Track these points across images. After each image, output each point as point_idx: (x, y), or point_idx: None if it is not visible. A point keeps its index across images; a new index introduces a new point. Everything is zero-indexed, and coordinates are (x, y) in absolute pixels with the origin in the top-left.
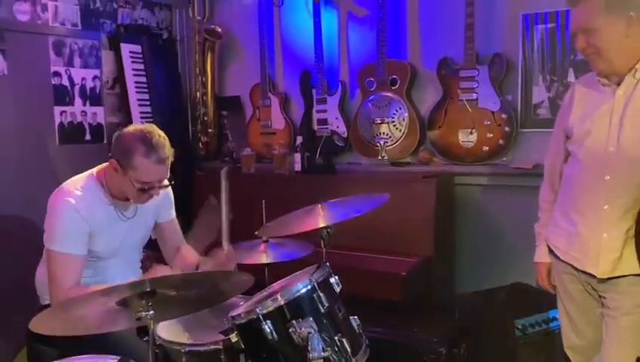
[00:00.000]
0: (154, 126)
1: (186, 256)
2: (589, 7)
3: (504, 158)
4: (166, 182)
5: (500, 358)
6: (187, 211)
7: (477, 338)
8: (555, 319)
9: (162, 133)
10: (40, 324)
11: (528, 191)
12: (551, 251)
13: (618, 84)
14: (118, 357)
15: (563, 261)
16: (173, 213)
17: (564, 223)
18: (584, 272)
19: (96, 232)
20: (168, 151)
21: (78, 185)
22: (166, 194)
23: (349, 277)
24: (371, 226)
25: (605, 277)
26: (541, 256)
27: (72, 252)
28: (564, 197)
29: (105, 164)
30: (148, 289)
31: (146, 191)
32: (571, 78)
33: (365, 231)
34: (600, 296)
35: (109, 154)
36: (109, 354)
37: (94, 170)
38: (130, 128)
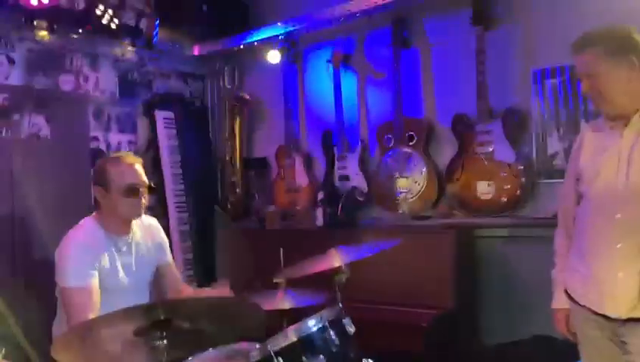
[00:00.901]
0: None
1: (187, 291)
2: (593, 53)
3: (528, 210)
4: (149, 187)
5: None
6: (210, 267)
7: None
8: None
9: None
10: (61, 352)
11: (548, 242)
12: (569, 296)
13: (625, 126)
14: None
15: (581, 305)
16: (170, 257)
17: (580, 266)
18: (603, 316)
19: (98, 257)
20: (134, 158)
21: (79, 227)
22: (162, 235)
23: (370, 330)
24: (391, 279)
25: (624, 317)
26: (559, 302)
27: (86, 284)
28: (578, 240)
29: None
30: (162, 318)
31: (132, 195)
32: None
33: (385, 284)
34: (622, 341)
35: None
36: None
37: (92, 215)
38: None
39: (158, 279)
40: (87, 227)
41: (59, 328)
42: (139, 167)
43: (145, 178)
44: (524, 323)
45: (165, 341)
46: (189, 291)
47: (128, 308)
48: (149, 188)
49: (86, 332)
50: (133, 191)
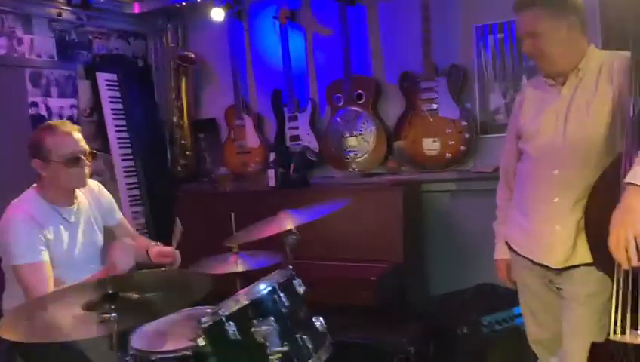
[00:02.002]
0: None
1: (141, 244)
2: (534, 13)
3: (472, 165)
4: (89, 153)
5: (469, 355)
6: (166, 231)
7: (446, 338)
8: (520, 315)
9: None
10: (9, 330)
11: (491, 195)
12: (510, 247)
13: (563, 84)
14: None
15: (521, 255)
16: (120, 214)
17: (520, 218)
18: (540, 265)
19: (45, 229)
20: (70, 126)
21: (19, 200)
22: (109, 200)
23: (322, 287)
24: (342, 236)
25: (560, 267)
26: (500, 253)
27: (37, 260)
28: (518, 194)
29: (37, 181)
30: (110, 291)
31: (74, 164)
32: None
33: (336, 241)
34: (558, 288)
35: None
36: None
37: (31, 188)
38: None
39: (110, 240)
40: (29, 200)
41: (9, 303)
42: (77, 135)
43: (85, 145)
44: (469, 273)
45: (115, 313)
46: (143, 242)
47: (75, 285)
48: (91, 153)
49: (34, 310)
50: (74, 160)
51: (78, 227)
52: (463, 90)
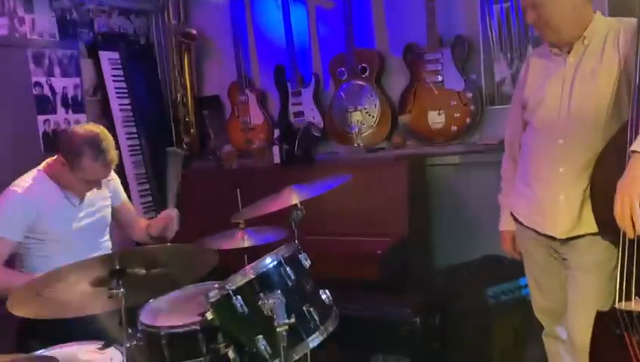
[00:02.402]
0: (102, 128)
1: (141, 225)
2: None
3: (478, 137)
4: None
5: (475, 326)
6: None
7: (452, 309)
8: (526, 286)
9: (109, 135)
10: (18, 306)
11: (497, 167)
12: (515, 218)
13: (568, 53)
14: (102, 342)
15: (526, 226)
16: (124, 196)
17: (524, 189)
18: (545, 235)
19: (43, 213)
20: (114, 154)
21: (24, 179)
22: (115, 179)
23: (327, 261)
24: (347, 212)
25: (564, 237)
26: (505, 224)
27: (3, 234)
28: (523, 165)
29: (51, 159)
30: (117, 268)
31: (93, 185)
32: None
33: (341, 216)
34: (563, 258)
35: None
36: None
37: (40, 165)
38: (80, 129)
39: (115, 216)
40: (35, 183)
41: None
42: (114, 164)
43: (111, 172)
44: (474, 245)
45: (123, 289)
46: (143, 223)
47: (82, 262)
48: None
49: (42, 286)
50: (95, 183)
51: (85, 209)
52: (468, 62)
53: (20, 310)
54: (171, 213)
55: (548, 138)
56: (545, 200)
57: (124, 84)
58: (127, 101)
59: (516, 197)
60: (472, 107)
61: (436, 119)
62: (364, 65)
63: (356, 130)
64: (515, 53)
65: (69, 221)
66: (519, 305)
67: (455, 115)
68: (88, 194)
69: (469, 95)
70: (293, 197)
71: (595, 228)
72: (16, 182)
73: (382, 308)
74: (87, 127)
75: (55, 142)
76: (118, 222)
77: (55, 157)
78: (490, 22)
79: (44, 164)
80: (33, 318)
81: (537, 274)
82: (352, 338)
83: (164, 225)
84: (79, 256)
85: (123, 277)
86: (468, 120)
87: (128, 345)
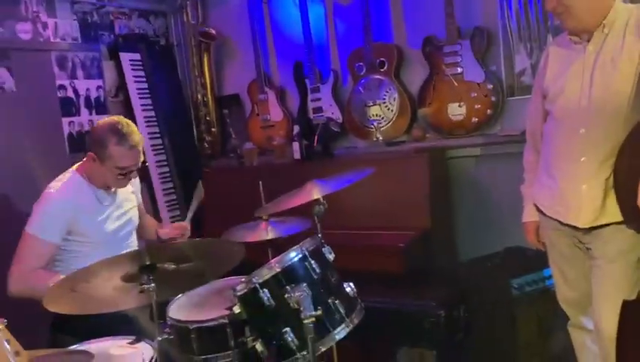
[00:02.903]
0: (121, 116)
1: (148, 223)
2: None
3: (499, 128)
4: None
5: (499, 318)
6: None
7: (476, 302)
8: (550, 277)
9: (130, 122)
10: (53, 303)
11: (518, 158)
12: (538, 209)
13: (588, 41)
14: (134, 337)
15: (549, 217)
16: (140, 196)
17: (547, 180)
18: (570, 226)
19: (79, 214)
20: (138, 137)
21: (59, 181)
22: (138, 181)
23: (350, 255)
24: (368, 206)
25: (588, 226)
26: (528, 215)
27: (45, 238)
28: (545, 155)
29: (84, 160)
30: (148, 263)
31: (125, 175)
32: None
33: (363, 211)
34: (587, 248)
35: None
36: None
37: (74, 166)
38: (101, 121)
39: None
40: (70, 183)
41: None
42: (140, 147)
43: (141, 158)
44: (497, 237)
45: (153, 284)
46: (150, 221)
47: (114, 258)
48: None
49: (76, 283)
50: (129, 172)
51: (114, 208)
52: (487, 53)
53: (56, 306)
54: (185, 225)
55: (569, 128)
56: (567, 191)
57: (145, 85)
58: (149, 101)
59: (539, 187)
60: (492, 98)
61: (456, 111)
62: (382, 59)
63: (375, 124)
64: (534, 43)
65: (101, 222)
66: (543, 296)
67: (476, 107)
68: (119, 194)
69: (490, 86)
70: (315, 191)
71: (618, 217)
72: (52, 184)
73: (406, 300)
74: (107, 118)
75: (81, 142)
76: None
77: (86, 158)
78: (509, 12)
79: (77, 164)
80: (66, 315)
81: (561, 264)
82: (376, 331)
83: (174, 235)
84: (110, 255)
85: (153, 272)
86: (489, 111)
87: (160, 339)
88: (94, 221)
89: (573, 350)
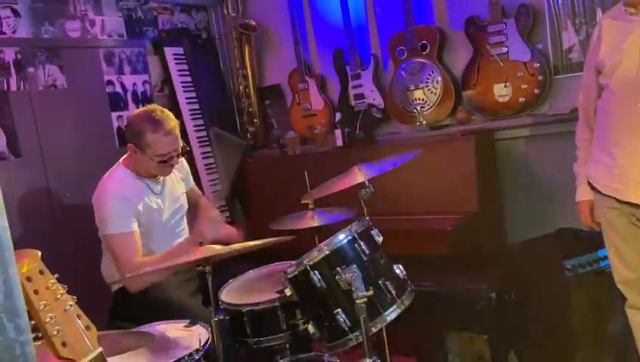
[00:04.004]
0: (155, 105)
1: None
2: None
3: (547, 107)
4: (180, 149)
5: (552, 301)
6: (242, 195)
7: (527, 284)
8: (605, 258)
9: (164, 109)
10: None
11: (568, 137)
12: (593, 188)
13: None
14: (188, 321)
15: (605, 195)
16: (192, 181)
17: (603, 157)
18: (627, 203)
19: (135, 205)
20: (173, 122)
21: (110, 176)
22: (186, 166)
23: (397, 240)
24: (414, 191)
25: None
26: (582, 194)
27: (125, 230)
28: (600, 132)
29: (127, 154)
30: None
31: (166, 162)
32: (600, 17)
33: (409, 195)
34: None
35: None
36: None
37: (120, 160)
38: (135, 112)
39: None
40: (120, 177)
41: (107, 267)
42: (176, 132)
43: (180, 143)
44: (548, 219)
45: (209, 265)
46: (210, 210)
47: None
48: (182, 148)
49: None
50: (169, 158)
51: (165, 196)
52: (533, 31)
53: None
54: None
55: (627, 102)
56: (626, 167)
57: (189, 78)
58: (193, 94)
59: (594, 165)
60: (539, 77)
61: (502, 92)
62: (424, 42)
63: (418, 108)
64: (582, 18)
65: (154, 211)
66: (598, 277)
67: (522, 87)
68: (167, 182)
69: (536, 65)
70: (360, 174)
71: None
72: (104, 181)
73: (455, 283)
74: (140, 109)
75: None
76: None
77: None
78: None
79: (122, 158)
80: (124, 302)
81: (619, 244)
82: (425, 315)
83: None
84: (164, 243)
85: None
86: (536, 90)
87: (216, 319)
88: (148, 211)
89: (631, 332)
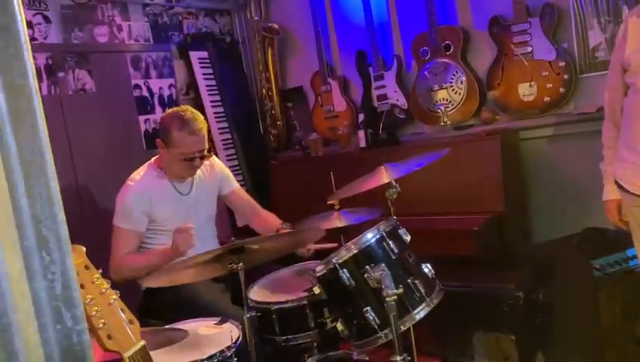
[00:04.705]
0: (189, 106)
1: (267, 219)
2: None
3: (573, 106)
4: (206, 152)
5: (580, 301)
6: (265, 197)
7: (555, 284)
8: (634, 257)
9: (195, 110)
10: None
11: (594, 136)
12: (620, 186)
13: None
14: (219, 319)
15: (633, 193)
16: (235, 184)
17: (630, 155)
18: None
19: (155, 203)
20: (201, 124)
21: (137, 173)
22: (222, 170)
23: (423, 239)
24: (441, 190)
25: None
26: (609, 193)
27: (128, 226)
28: (627, 130)
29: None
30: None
31: (189, 161)
32: (625, 15)
33: (435, 195)
34: None
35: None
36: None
37: (151, 160)
38: (168, 110)
39: (229, 204)
40: (146, 176)
41: None
42: (203, 133)
43: (205, 145)
44: (575, 219)
45: (241, 263)
46: (271, 218)
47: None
48: (208, 150)
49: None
50: (192, 158)
51: (192, 199)
52: (558, 30)
53: (151, 283)
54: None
55: None
56: None
57: (214, 82)
58: (217, 98)
59: (621, 164)
60: (565, 76)
61: (527, 91)
62: (447, 42)
63: (442, 109)
64: (608, 17)
65: (177, 211)
66: (627, 277)
67: (547, 86)
68: (197, 182)
69: (562, 64)
70: (387, 175)
71: None
72: (131, 176)
73: (482, 283)
74: (174, 108)
75: (156, 139)
76: (233, 209)
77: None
78: None
79: (153, 158)
80: (153, 301)
81: None
82: (451, 315)
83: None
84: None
85: (242, 252)
86: (562, 90)
87: (248, 316)
88: (171, 210)
89: None
